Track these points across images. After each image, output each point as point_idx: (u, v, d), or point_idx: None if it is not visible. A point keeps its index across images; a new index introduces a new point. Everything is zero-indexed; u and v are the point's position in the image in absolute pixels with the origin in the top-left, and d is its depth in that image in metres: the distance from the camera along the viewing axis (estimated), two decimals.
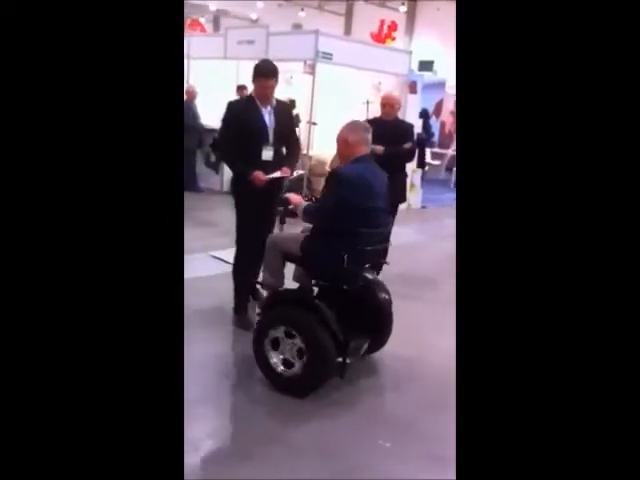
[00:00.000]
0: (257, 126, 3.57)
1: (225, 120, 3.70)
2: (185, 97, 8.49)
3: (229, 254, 4.39)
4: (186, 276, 4.32)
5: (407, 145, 4.43)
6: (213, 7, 18.72)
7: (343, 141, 3.12)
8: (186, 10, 19.51)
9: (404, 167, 4.70)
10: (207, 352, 3.38)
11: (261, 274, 3.51)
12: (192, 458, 2.40)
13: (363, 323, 3.25)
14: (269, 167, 3.55)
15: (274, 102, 3.68)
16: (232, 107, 3.69)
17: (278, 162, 3.63)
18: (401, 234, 7.02)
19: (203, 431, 2.65)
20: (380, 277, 4.69)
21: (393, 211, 4.64)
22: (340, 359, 3.01)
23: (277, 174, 3.56)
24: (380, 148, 4.28)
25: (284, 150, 3.75)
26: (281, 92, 9.06)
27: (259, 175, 3.48)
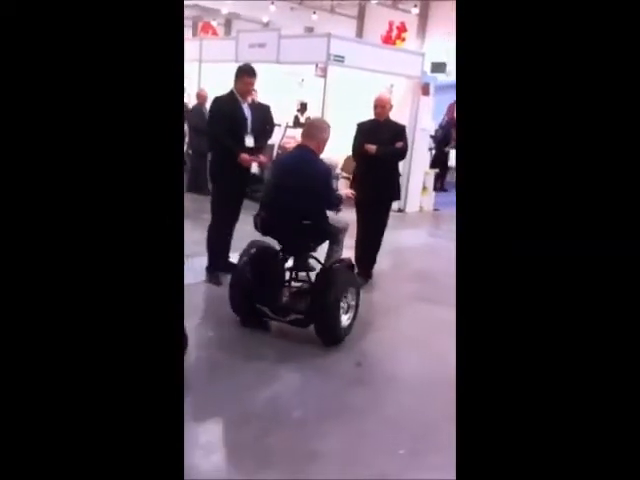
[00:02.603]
0: (239, 117, 4.37)
1: (213, 111, 4.52)
2: (197, 101, 8.55)
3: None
4: (196, 280, 4.48)
5: (399, 145, 4.68)
6: (225, 10, 18.82)
7: None
8: (198, 13, 19.71)
9: (397, 166, 4.98)
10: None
11: None
12: None
13: (294, 298, 3.91)
14: (250, 152, 4.37)
15: (250, 100, 4.68)
16: (218, 101, 4.50)
17: (256, 148, 4.50)
18: (413, 236, 7.04)
19: None
20: (394, 277, 4.76)
21: (385, 206, 4.88)
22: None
23: (260, 158, 4.49)
24: (372, 148, 4.52)
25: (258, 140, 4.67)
26: (292, 95, 9.17)
27: (245, 157, 4.28)
